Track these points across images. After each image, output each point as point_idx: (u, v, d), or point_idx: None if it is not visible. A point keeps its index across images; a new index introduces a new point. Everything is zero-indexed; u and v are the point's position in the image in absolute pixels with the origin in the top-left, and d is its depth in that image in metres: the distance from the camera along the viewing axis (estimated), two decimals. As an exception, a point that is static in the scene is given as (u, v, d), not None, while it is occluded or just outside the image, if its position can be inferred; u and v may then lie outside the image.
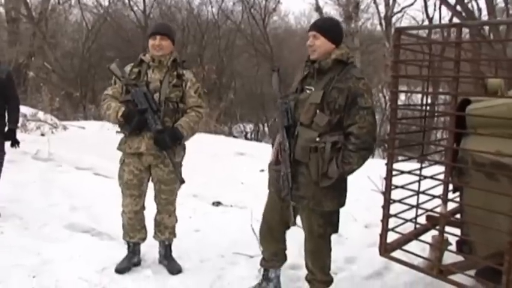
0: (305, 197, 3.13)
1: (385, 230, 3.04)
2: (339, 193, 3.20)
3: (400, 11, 21.71)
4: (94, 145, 8.59)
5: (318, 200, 3.12)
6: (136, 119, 3.65)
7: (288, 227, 3.43)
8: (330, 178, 3.03)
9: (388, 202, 3.06)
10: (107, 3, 21.82)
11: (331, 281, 3.45)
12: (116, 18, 21.56)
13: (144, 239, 4.03)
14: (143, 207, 3.97)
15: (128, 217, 3.93)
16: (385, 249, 3.09)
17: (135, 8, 22.50)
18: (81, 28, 22.59)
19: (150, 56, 3.80)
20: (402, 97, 20.36)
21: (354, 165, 3.02)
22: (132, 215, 3.92)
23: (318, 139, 3.02)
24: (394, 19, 21.47)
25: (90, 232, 4.74)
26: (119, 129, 3.81)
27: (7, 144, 5.05)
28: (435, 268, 2.89)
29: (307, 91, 3.15)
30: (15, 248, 4.20)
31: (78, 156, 7.73)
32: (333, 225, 3.28)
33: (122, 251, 4.03)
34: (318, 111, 3.04)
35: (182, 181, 3.81)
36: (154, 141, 3.66)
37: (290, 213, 3.16)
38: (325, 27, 3.16)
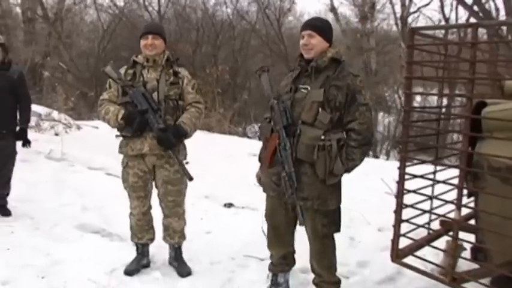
0: (309, 197, 3.11)
1: (396, 235, 2.98)
2: (339, 191, 3.22)
3: (416, 11, 21.50)
4: (107, 145, 8.55)
5: (324, 199, 3.12)
6: (137, 120, 3.59)
7: (295, 229, 3.42)
8: (336, 175, 3.06)
9: (400, 207, 2.99)
10: (122, 4, 21.92)
11: (339, 281, 3.41)
12: (130, 18, 21.63)
13: (152, 240, 4.01)
14: (150, 207, 3.94)
15: (136, 218, 3.91)
16: (397, 255, 3.02)
17: (150, 9, 22.58)
18: (96, 28, 22.72)
19: (143, 57, 3.76)
20: (418, 98, 20.25)
21: (357, 160, 3.08)
22: (141, 216, 3.90)
23: (323, 137, 3.02)
24: (410, 19, 21.27)
25: (100, 233, 4.73)
26: (118, 133, 3.74)
27: (19, 143, 5.06)
28: (448, 275, 2.82)
29: (303, 90, 3.14)
30: (26, 248, 4.20)
31: (90, 156, 7.74)
32: (336, 223, 3.27)
33: (131, 253, 4.01)
34: (320, 109, 3.03)
35: (190, 178, 3.73)
36: (158, 141, 3.60)
37: (298, 213, 3.11)
38: (321, 26, 3.19)
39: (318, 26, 3.17)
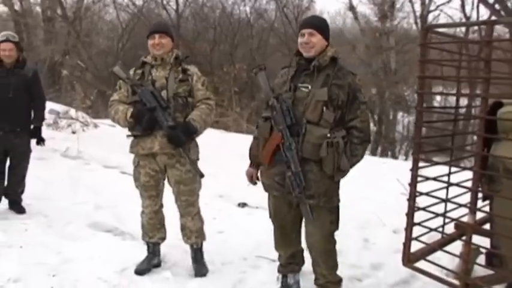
0: (315, 195, 3.11)
1: (408, 239, 2.92)
2: (339, 188, 3.25)
3: (435, 9, 21.23)
4: (123, 144, 8.58)
5: (330, 196, 3.16)
6: (146, 118, 3.57)
7: (300, 227, 3.42)
8: (342, 171, 3.09)
9: (412, 210, 2.93)
10: (140, 3, 22.00)
11: (341, 279, 3.41)
12: (149, 17, 21.69)
13: (163, 239, 3.99)
14: (162, 206, 3.93)
15: (148, 217, 3.89)
16: (409, 259, 2.96)
17: (168, 7, 22.62)
18: (115, 27, 22.84)
19: (151, 56, 3.75)
20: (439, 98, 20.00)
21: (359, 156, 3.15)
22: (152, 215, 3.88)
23: (329, 135, 3.03)
24: (430, 17, 21.01)
25: (112, 231, 4.74)
26: (129, 133, 3.73)
27: (33, 142, 5.09)
28: (461, 281, 2.74)
29: (303, 89, 3.14)
30: (38, 246, 4.22)
31: (106, 155, 7.78)
32: (338, 221, 3.30)
33: (143, 252, 3.99)
34: (325, 108, 3.05)
35: (202, 175, 3.71)
36: (168, 139, 3.58)
37: (308, 212, 3.12)
38: (321, 25, 3.21)
39: (318, 24, 3.19)
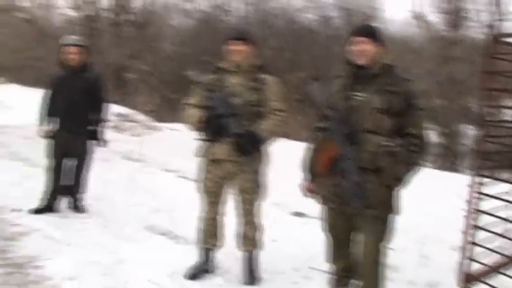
0: (372, 205, 2.99)
1: (465, 258, 2.76)
2: (398, 198, 3.15)
3: (504, 19, 20.34)
4: (185, 148, 8.70)
5: (387, 206, 3.08)
6: (216, 124, 3.59)
7: (352, 239, 3.31)
8: (400, 180, 3.02)
9: (469, 228, 2.77)
10: (205, 9, 22.28)
11: None
12: (213, 23, 21.95)
13: (219, 246, 3.96)
14: (223, 214, 3.91)
15: (206, 223, 3.88)
16: (466, 279, 2.80)
17: (232, 14, 22.79)
18: (180, 32, 23.23)
19: (228, 62, 3.74)
20: None
21: (417, 164, 3.04)
22: (210, 222, 3.87)
23: (386, 143, 2.95)
24: (500, 27, 20.18)
25: (167, 235, 4.77)
26: (197, 137, 3.76)
27: (96, 143, 5.20)
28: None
29: (359, 97, 3.04)
30: (94, 245, 4.31)
31: (167, 158, 7.89)
32: (392, 233, 3.20)
33: (196, 257, 3.98)
34: (382, 115, 2.98)
35: (263, 188, 3.70)
36: (235, 146, 3.58)
37: (364, 221, 3.05)
38: (374, 32, 3.15)
39: (372, 32, 3.13)
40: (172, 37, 22.66)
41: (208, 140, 3.70)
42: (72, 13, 17.71)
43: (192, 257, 4.01)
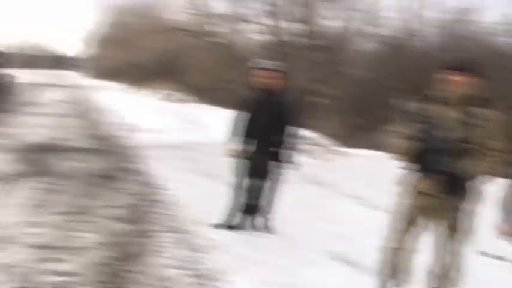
0: None
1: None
2: None
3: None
4: (371, 175, 8.56)
5: None
6: (425, 158, 3.47)
7: None
8: None
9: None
10: (394, 34, 21.83)
11: None
12: (401, 47, 21.40)
13: (403, 282, 3.76)
14: (412, 248, 3.71)
15: (392, 254, 3.73)
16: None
17: (422, 38, 22.01)
18: (367, 57, 23.04)
19: (441, 92, 3.54)
20: None
21: None
22: (398, 252, 3.71)
23: None
24: None
25: (350, 263, 4.66)
26: (404, 166, 3.66)
27: (286, 166, 5.34)
28: None
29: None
30: (274, 265, 4.40)
31: (355, 185, 7.81)
32: None
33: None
34: None
35: (471, 228, 3.50)
36: (442, 184, 3.43)
37: None
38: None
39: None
40: (357, 62, 22.59)
41: (416, 172, 3.58)
42: (262, 37, 18.54)
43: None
